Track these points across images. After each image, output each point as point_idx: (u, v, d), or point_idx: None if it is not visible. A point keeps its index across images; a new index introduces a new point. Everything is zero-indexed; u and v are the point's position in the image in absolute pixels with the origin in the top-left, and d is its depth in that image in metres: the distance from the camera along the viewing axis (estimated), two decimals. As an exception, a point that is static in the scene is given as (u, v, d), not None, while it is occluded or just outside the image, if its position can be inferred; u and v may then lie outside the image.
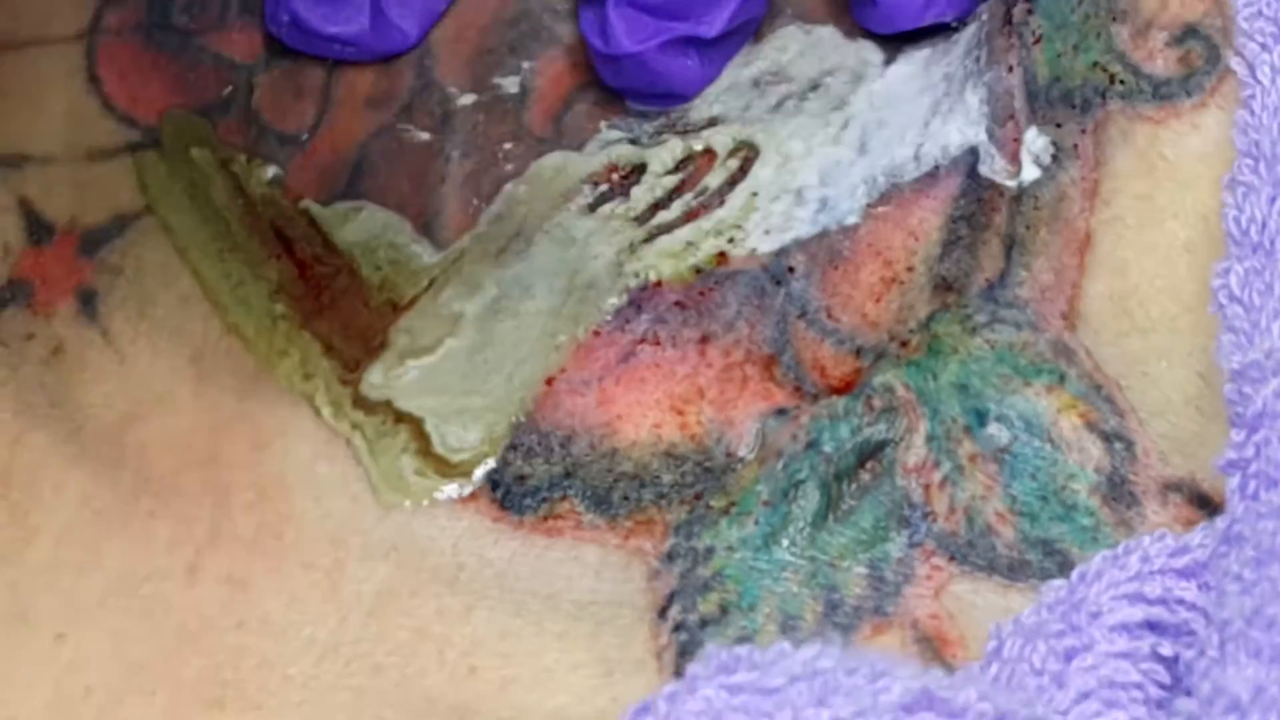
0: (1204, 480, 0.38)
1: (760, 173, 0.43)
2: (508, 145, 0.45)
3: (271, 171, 0.45)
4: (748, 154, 0.43)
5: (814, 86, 0.44)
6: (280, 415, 0.42)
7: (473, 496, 0.40)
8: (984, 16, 0.44)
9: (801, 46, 0.45)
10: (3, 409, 0.42)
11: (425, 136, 0.45)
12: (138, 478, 0.41)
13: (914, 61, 0.44)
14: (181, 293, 0.44)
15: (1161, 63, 0.40)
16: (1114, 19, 0.41)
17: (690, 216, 0.43)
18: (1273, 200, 0.37)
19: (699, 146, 0.44)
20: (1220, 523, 0.35)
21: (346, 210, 0.45)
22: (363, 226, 0.44)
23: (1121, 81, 0.40)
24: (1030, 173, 0.41)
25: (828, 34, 0.45)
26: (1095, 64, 0.41)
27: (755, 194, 0.43)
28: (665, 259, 0.42)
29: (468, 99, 0.45)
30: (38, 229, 0.45)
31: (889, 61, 0.44)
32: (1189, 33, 0.40)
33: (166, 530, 0.41)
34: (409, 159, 0.45)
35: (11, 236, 0.45)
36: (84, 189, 0.45)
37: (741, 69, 0.45)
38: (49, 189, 0.45)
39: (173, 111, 0.46)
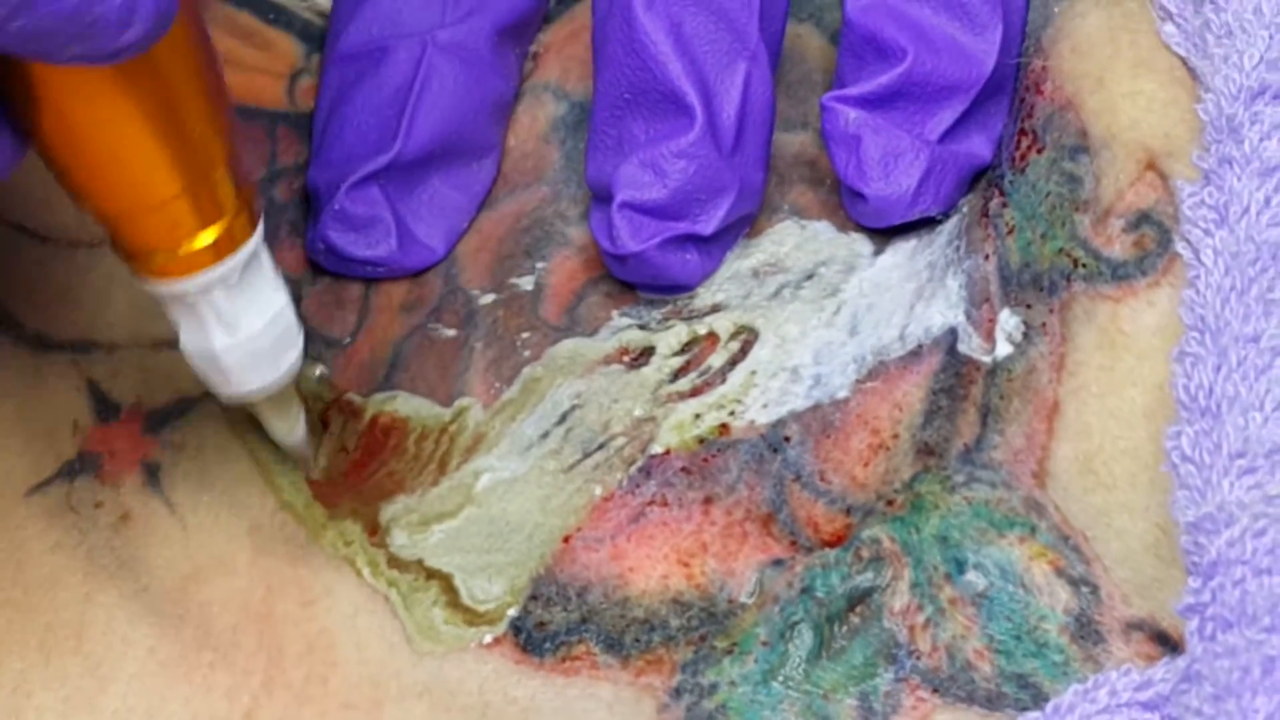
0: (1163, 620, 0.43)
1: (759, 353, 0.49)
2: (525, 334, 0.51)
3: (319, 370, 0.52)
4: (748, 337, 0.50)
5: (809, 276, 0.51)
6: (326, 577, 0.48)
7: (497, 642, 0.46)
8: (964, 210, 0.50)
9: (798, 240, 0.52)
10: (75, 570, 0.48)
11: (451, 333, 0.52)
12: (199, 632, 0.47)
13: (901, 252, 0.50)
14: (240, 471, 0.50)
15: (1119, 247, 0.45)
16: (1077, 209, 0.46)
17: (695, 392, 0.49)
18: (1218, 369, 0.42)
19: (703, 331, 0.50)
20: (1181, 661, 0.40)
21: (383, 398, 0.51)
22: (396, 410, 0.51)
23: (1084, 265, 0.45)
24: (1004, 349, 0.47)
25: (822, 228, 0.52)
26: (1061, 250, 0.46)
27: (754, 372, 0.49)
28: (672, 431, 0.48)
29: (488, 298, 0.52)
30: (105, 408, 0.50)
31: (878, 252, 0.51)
32: (1142, 219, 0.45)
33: (226, 679, 0.46)
34: (438, 353, 0.52)
35: (81, 414, 0.50)
36: (148, 374, 0.51)
37: (742, 260, 0.51)
38: (115, 372, 0.51)
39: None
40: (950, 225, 0.50)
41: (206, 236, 0.43)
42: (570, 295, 0.52)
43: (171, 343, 0.50)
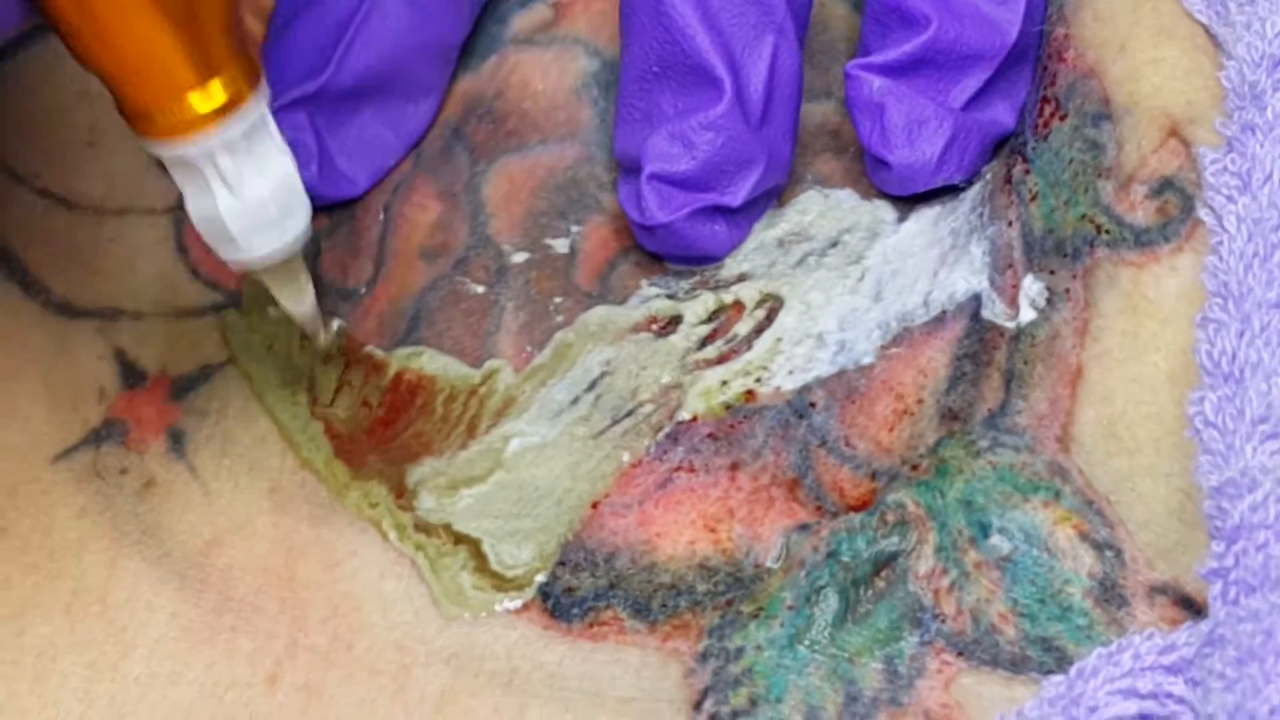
0: (1187, 584, 0.43)
1: (785, 320, 0.50)
2: (558, 299, 0.52)
3: (336, 324, 0.52)
4: (773, 305, 0.50)
5: (833, 244, 0.51)
6: (350, 539, 0.48)
7: (525, 607, 0.47)
8: (987, 177, 0.51)
9: (821, 209, 0.52)
10: (100, 535, 0.48)
11: (480, 289, 0.52)
12: (221, 597, 0.48)
13: (924, 219, 0.51)
14: (260, 433, 0.51)
15: (1142, 213, 0.46)
16: (1099, 175, 0.47)
17: (722, 359, 0.50)
18: (1241, 335, 0.42)
19: (729, 299, 0.51)
20: (1204, 625, 0.40)
21: (408, 354, 0.52)
22: (422, 368, 0.51)
23: (1107, 231, 0.46)
24: (1027, 315, 0.47)
25: (845, 196, 0.52)
26: (1084, 216, 0.46)
27: (780, 339, 0.50)
28: (699, 397, 0.49)
29: (521, 257, 0.53)
30: (131, 375, 0.51)
31: (902, 219, 0.51)
32: (1165, 185, 0.45)
33: (248, 644, 0.47)
34: (465, 309, 0.52)
35: (107, 381, 0.51)
36: (173, 341, 0.52)
37: (767, 231, 0.52)
38: (141, 340, 0.52)
39: (252, 277, 0.52)
40: (973, 192, 0.51)
41: (205, 98, 0.44)
42: (603, 263, 0.52)
43: (197, 311, 0.51)
